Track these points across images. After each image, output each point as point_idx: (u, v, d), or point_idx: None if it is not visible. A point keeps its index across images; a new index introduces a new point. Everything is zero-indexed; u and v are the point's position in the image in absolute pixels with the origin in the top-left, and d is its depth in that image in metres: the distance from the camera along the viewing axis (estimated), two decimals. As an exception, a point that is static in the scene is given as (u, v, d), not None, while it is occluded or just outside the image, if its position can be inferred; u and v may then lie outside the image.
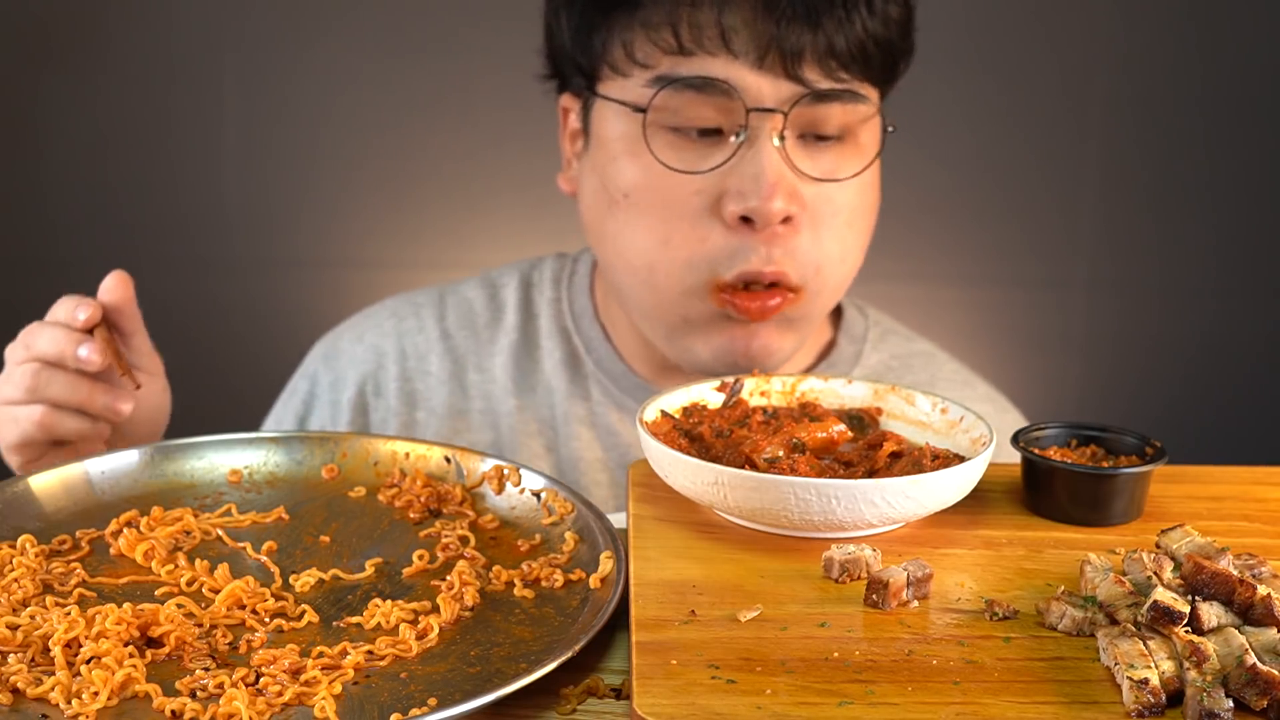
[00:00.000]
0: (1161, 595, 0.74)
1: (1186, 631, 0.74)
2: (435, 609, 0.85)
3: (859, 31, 1.19)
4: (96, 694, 0.74)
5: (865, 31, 1.19)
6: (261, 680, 0.76)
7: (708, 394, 1.03)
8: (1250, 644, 0.73)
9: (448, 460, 1.03)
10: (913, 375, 1.40)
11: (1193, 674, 0.70)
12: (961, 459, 0.93)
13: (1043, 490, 0.96)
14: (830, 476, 0.91)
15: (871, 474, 0.94)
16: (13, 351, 1.10)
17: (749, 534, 0.91)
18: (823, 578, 0.85)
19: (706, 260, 1.21)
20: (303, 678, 0.76)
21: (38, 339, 1.08)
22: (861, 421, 1.03)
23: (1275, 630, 0.74)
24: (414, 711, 0.73)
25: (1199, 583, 0.78)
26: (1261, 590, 0.76)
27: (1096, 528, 0.93)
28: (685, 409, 1.02)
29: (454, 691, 0.75)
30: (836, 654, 0.75)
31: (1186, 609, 0.74)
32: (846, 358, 1.40)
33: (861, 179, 1.24)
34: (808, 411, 1.01)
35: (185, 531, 0.95)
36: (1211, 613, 0.75)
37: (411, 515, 0.98)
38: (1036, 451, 0.97)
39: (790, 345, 1.28)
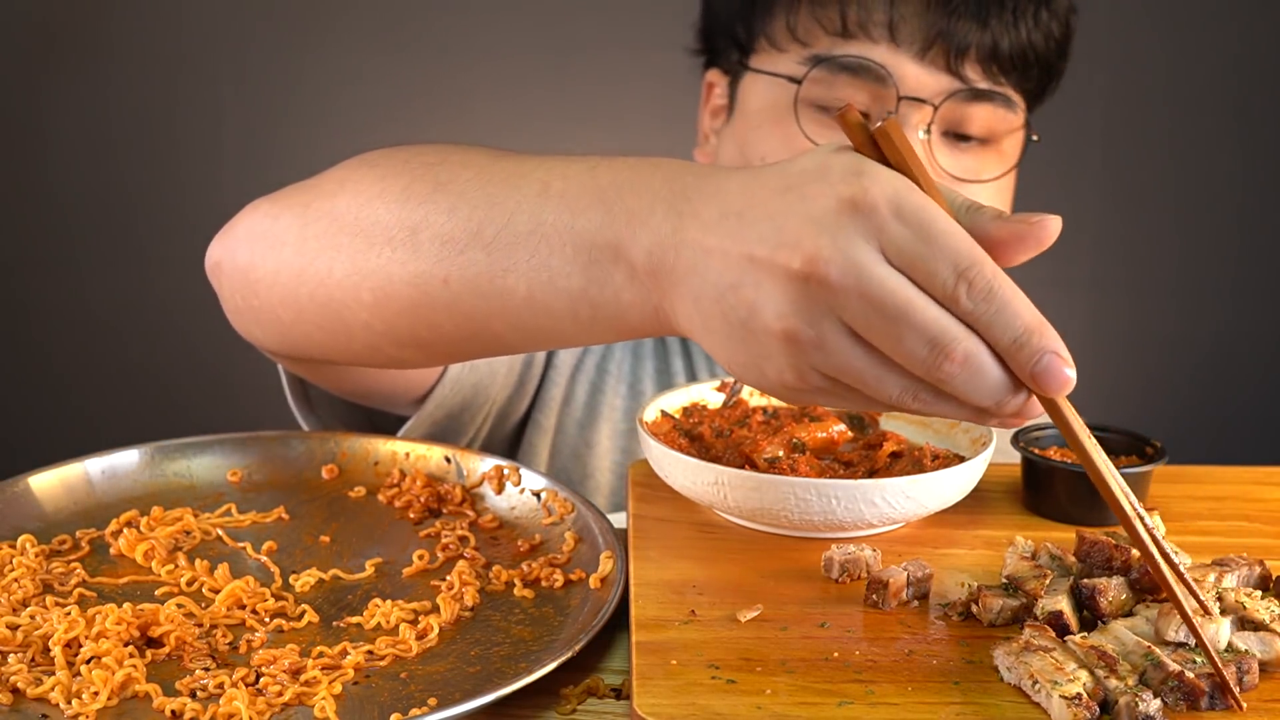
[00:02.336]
0: (1053, 604, 0.77)
1: (1084, 638, 0.75)
2: (435, 609, 0.85)
3: (1023, 38, 1.21)
4: (96, 694, 0.74)
5: (1028, 40, 1.21)
6: (261, 680, 0.76)
7: (708, 394, 1.03)
8: (1143, 638, 0.75)
9: (448, 460, 1.03)
10: None
11: (1113, 681, 0.70)
12: (961, 459, 0.93)
13: (1043, 490, 0.96)
14: (830, 476, 0.91)
15: (871, 474, 0.94)
16: None
17: (749, 534, 0.91)
18: (823, 578, 0.85)
19: None
20: (303, 678, 0.76)
21: None
22: (861, 421, 1.03)
23: (1154, 616, 0.76)
24: (414, 711, 0.73)
25: (1082, 554, 0.81)
26: (1136, 553, 0.79)
27: (1096, 527, 0.93)
28: (685, 409, 1.02)
29: (454, 691, 0.75)
30: (836, 654, 0.75)
31: (1075, 622, 0.77)
32: None
33: (998, 188, 1.26)
34: (808, 411, 1.01)
35: (185, 531, 0.95)
36: (1111, 587, 0.78)
37: (411, 515, 0.98)
38: (1036, 451, 0.97)
39: None
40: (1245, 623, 0.76)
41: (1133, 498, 0.73)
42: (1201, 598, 0.74)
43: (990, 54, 1.20)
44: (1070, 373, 0.68)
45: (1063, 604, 0.78)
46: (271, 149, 2.31)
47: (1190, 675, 0.70)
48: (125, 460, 1.02)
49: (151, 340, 2.35)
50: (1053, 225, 0.69)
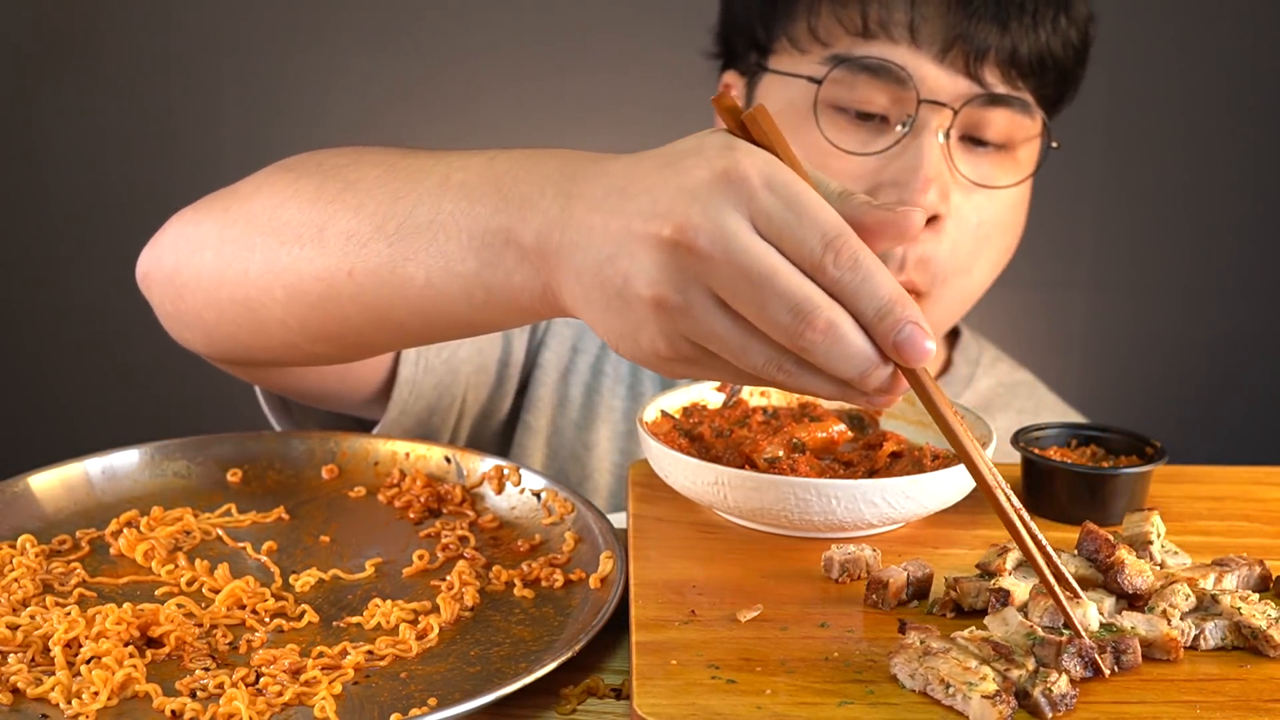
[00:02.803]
0: (1008, 584, 0.79)
1: (971, 632, 0.75)
2: (435, 609, 0.85)
3: (1041, 42, 1.21)
4: (96, 694, 0.74)
5: (1046, 45, 1.21)
6: (261, 680, 0.76)
7: (708, 394, 1.03)
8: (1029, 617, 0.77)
9: (448, 460, 1.03)
10: (1019, 403, 1.42)
11: (1014, 671, 0.70)
12: (961, 459, 0.93)
13: (1043, 490, 0.96)
14: (830, 476, 0.91)
15: (871, 474, 0.93)
16: None
17: (749, 534, 0.91)
18: (823, 578, 0.85)
19: None
20: (303, 678, 0.76)
21: None
22: (861, 421, 1.03)
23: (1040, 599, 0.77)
24: (414, 711, 0.73)
25: (1079, 543, 0.82)
26: (1119, 554, 0.80)
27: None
28: (685, 409, 1.01)
29: (454, 691, 0.75)
30: (836, 654, 0.75)
31: (1022, 593, 0.79)
32: (961, 378, 1.41)
33: (1011, 197, 1.26)
34: (808, 411, 1.01)
35: (185, 531, 0.95)
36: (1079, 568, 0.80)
37: (411, 515, 0.98)
38: (1036, 451, 0.97)
39: None
40: (1242, 627, 0.76)
41: (999, 477, 0.76)
42: (1071, 581, 0.76)
43: (1009, 58, 1.20)
44: (930, 345, 0.70)
45: (1019, 588, 0.79)
46: (268, 150, 2.31)
47: (1085, 642, 0.72)
48: (125, 460, 1.02)
49: (151, 340, 2.35)
50: (916, 217, 0.72)
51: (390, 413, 1.20)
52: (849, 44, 1.21)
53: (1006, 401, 1.41)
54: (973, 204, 1.23)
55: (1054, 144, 1.26)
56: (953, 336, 1.45)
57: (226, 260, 0.97)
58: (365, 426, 1.25)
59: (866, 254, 0.69)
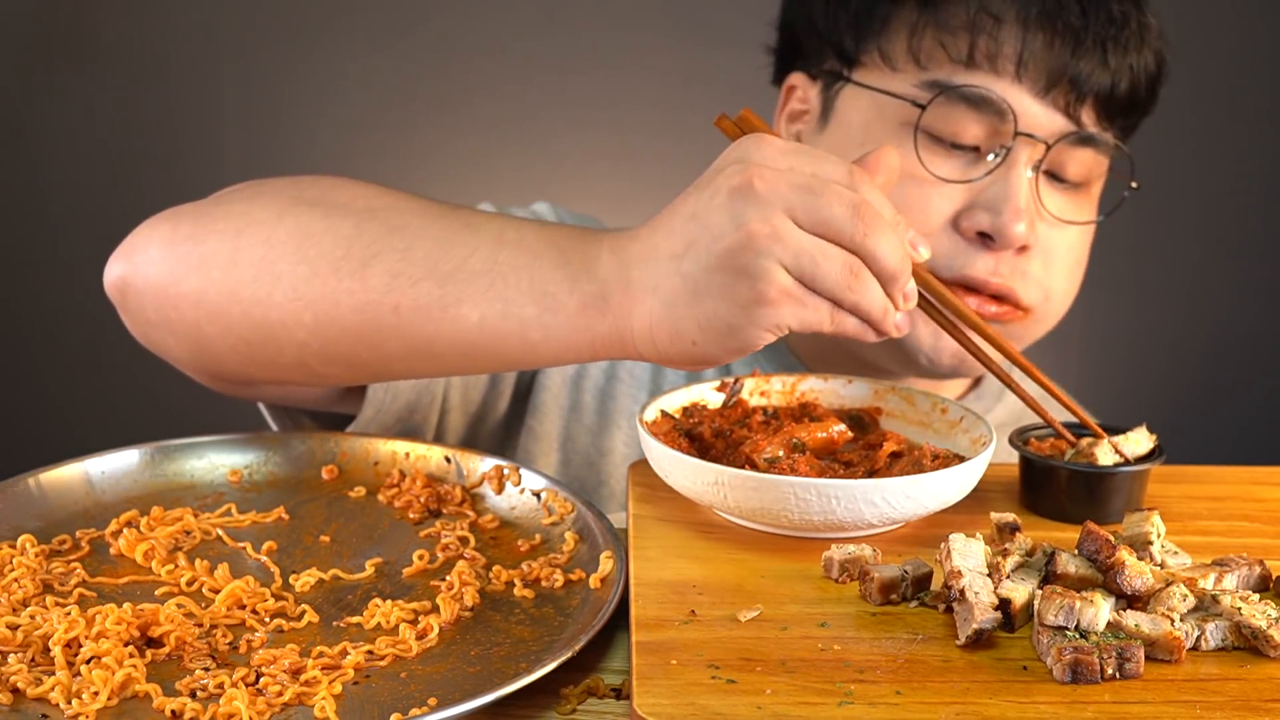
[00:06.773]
0: (1006, 592, 0.79)
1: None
2: (435, 609, 0.85)
3: (1137, 81, 1.21)
4: (96, 694, 0.74)
5: (1139, 83, 1.21)
6: (261, 680, 0.76)
7: (708, 394, 1.03)
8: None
9: (448, 460, 1.03)
10: None
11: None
12: (961, 459, 0.93)
13: (1041, 490, 0.96)
14: (830, 476, 0.91)
15: (871, 474, 0.93)
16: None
17: (749, 534, 0.91)
18: (823, 578, 0.85)
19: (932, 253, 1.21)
20: (303, 678, 0.76)
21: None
22: (861, 421, 1.03)
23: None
24: (414, 711, 0.73)
25: (1079, 543, 0.82)
26: (1119, 555, 0.80)
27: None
28: (685, 409, 1.01)
29: (454, 691, 0.75)
30: (836, 653, 0.75)
31: (1022, 595, 0.79)
32: (992, 393, 1.41)
33: (1086, 230, 1.26)
34: (808, 411, 1.01)
35: (185, 531, 0.95)
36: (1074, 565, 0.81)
37: (411, 515, 0.98)
38: (1035, 450, 0.97)
39: None
40: (1242, 627, 0.76)
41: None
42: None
43: (1107, 98, 1.19)
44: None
45: (1018, 591, 0.78)
46: (268, 150, 2.31)
47: (1085, 656, 0.73)
48: (125, 460, 1.02)
49: (151, 340, 2.35)
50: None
51: (366, 411, 1.16)
52: (949, 71, 1.19)
53: (1036, 417, 1.41)
54: (1057, 233, 1.23)
55: (1134, 185, 1.25)
56: None
57: (243, 282, 1.00)
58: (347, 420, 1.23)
59: (876, 195, 0.86)
